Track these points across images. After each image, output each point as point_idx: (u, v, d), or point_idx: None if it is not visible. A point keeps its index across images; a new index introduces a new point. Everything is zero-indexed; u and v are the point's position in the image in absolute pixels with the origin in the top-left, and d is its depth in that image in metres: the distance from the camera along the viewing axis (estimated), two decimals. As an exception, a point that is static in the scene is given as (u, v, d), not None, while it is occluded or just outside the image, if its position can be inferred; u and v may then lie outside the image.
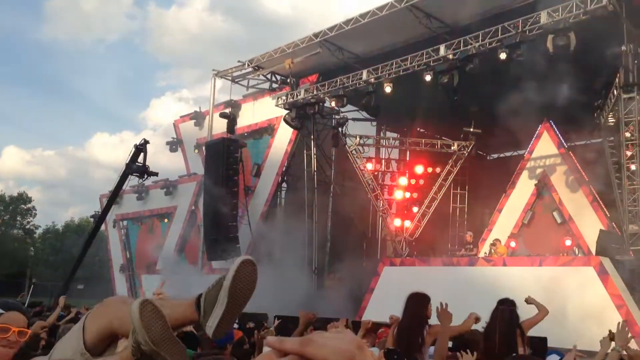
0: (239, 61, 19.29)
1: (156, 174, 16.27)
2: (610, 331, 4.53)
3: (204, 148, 20.81)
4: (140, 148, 14.78)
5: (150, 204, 24.40)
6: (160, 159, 28.50)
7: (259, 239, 18.95)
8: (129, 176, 14.95)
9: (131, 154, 14.73)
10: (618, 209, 12.92)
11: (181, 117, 24.41)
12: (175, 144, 23.89)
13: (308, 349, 0.94)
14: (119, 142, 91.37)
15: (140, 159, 15.03)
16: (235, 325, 6.88)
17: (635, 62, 11.78)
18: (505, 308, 5.11)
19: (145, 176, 15.12)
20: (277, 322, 7.09)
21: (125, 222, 25.96)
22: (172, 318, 1.76)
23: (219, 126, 19.91)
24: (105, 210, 15.69)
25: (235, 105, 20.58)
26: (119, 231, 25.95)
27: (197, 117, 22.73)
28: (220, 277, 1.81)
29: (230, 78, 20.18)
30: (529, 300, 5.71)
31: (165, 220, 23.65)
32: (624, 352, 3.91)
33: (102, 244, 26.37)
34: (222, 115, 19.69)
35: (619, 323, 4.22)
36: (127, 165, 14.81)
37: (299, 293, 14.94)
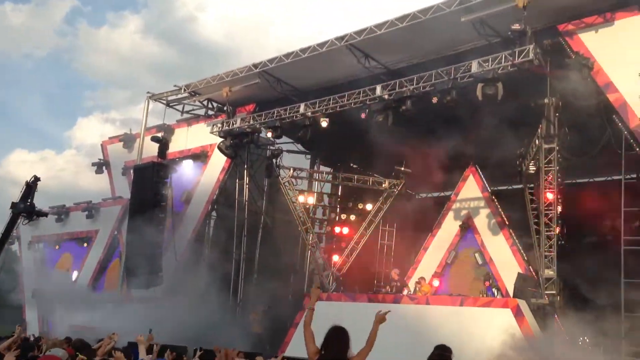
0: (175, 85, 19.05)
1: (45, 215, 15.15)
2: None
3: (131, 171, 20.21)
4: (31, 185, 13.56)
5: (70, 227, 23.31)
6: (84, 180, 27.44)
7: (184, 267, 18.44)
8: (19, 217, 13.67)
9: (22, 192, 13.52)
10: (535, 253, 13.49)
11: (110, 138, 23.73)
12: (101, 166, 23.10)
13: None
14: (40, 160, 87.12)
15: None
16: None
17: (557, 114, 12.53)
18: (440, 353, 5.19)
19: (34, 217, 13.96)
20: (199, 353, 6.90)
21: (41, 245, 24.60)
22: None
23: (150, 150, 19.45)
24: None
25: (168, 130, 20.19)
26: (34, 254, 24.55)
27: (127, 139, 22.13)
28: None
29: (164, 102, 19.84)
30: None
31: (85, 244, 22.60)
32: None
33: (15, 266, 24.83)
34: (154, 139, 19.23)
35: None
36: (14, 204, 13.52)
37: (223, 325, 14.58)
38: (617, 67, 11.57)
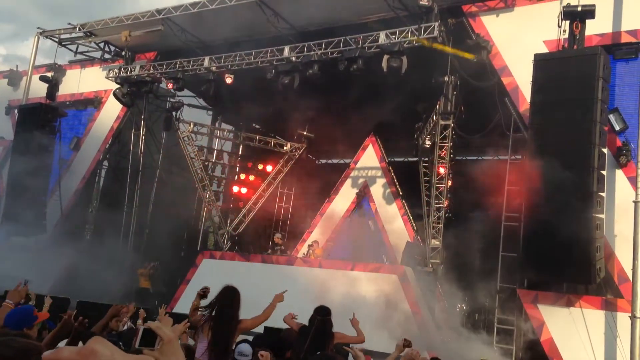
0: (69, 23, 17.68)
1: None
2: (404, 339, 4.97)
3: (16, 111, 18.73)
4: None
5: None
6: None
7: (69, 217, 17.54)
8: None
9: None
10: (424, 224, 14.17)
11: (-8, 73, 21.77)
12: (-20, 103, 21.18)
13: None
14: None
15: None
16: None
17: (454, 93, 13.06)
18: (321, 319, 5.37)
19: None
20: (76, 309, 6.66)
21: None
22: None
23: (38, 90, 18.08)
24: None
25: (58, 70, 18.86)
26: None
27: (12, 77, 20.49)
28: None
29: (56, 39, 18.38)
30: (353, 322, 5.98)
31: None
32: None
33: None
34: (43, 79, 17.93)
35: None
36: None
37: (110, 279, 14.11)
38: (513, 52, 12.17)
